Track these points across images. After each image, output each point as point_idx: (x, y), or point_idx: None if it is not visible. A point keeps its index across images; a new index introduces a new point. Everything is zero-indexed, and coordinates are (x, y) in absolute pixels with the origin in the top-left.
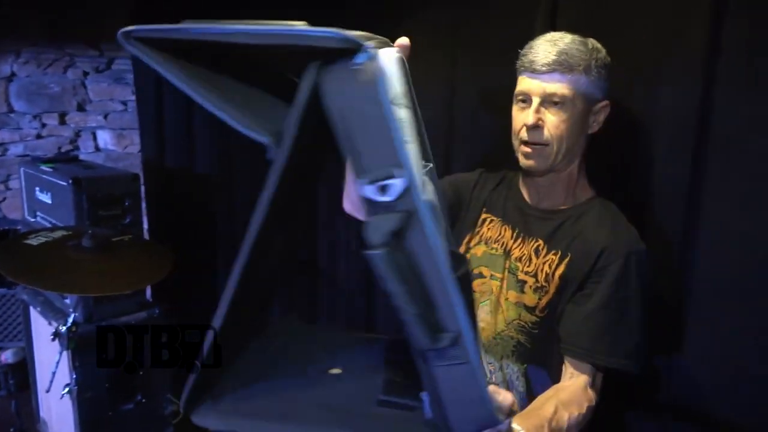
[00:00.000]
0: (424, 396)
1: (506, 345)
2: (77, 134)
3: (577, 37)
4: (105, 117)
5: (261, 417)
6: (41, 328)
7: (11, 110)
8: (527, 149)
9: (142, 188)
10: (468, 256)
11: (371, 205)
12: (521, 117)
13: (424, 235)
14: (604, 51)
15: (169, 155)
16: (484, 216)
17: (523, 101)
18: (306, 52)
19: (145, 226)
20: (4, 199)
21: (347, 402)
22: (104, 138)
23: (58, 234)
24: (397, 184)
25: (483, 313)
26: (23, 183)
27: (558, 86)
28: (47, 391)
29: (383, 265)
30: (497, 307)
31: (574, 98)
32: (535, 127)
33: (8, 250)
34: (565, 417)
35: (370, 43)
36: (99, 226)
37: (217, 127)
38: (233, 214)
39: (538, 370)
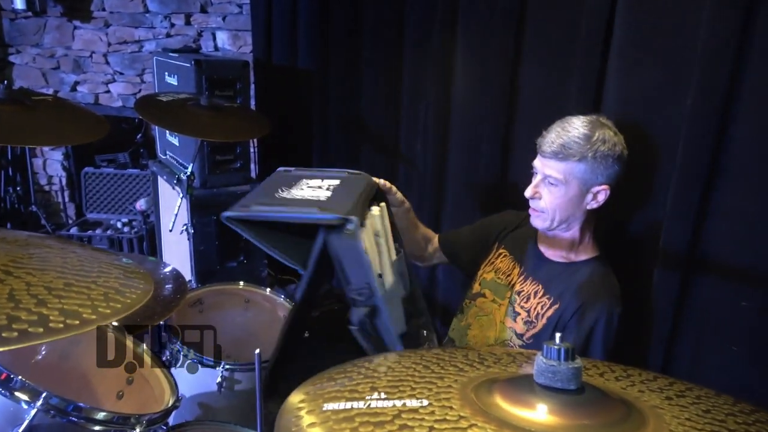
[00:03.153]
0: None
1: None
2: (200, 34)
3: (586, 126)
4: (223, 19)
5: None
6: (167, 193)
7: (147, 10)
8: (530, 211)
9: (252, 78)
10: (479, 277)
11: (353, 302)
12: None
13: (381, 318)
14: (613, 141)
15: (276, 54)
16: (501, 251)
17: (533, 172)
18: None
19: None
20: (140, 90)
21: None
22: (222, 38)
23: (182, 96)
24: (366, 293)
25: (477, 326)
26: (155, 69)
27: (553, 171)
28: (170, 230)
29: (358, 335)
30: (492, 325)
31: (567, 181)
32: (533, 198)
33: (146, 103)
34: None
35: (353, 218)
36: None
37: (316, 27)
38: (326, 106)
39: None
